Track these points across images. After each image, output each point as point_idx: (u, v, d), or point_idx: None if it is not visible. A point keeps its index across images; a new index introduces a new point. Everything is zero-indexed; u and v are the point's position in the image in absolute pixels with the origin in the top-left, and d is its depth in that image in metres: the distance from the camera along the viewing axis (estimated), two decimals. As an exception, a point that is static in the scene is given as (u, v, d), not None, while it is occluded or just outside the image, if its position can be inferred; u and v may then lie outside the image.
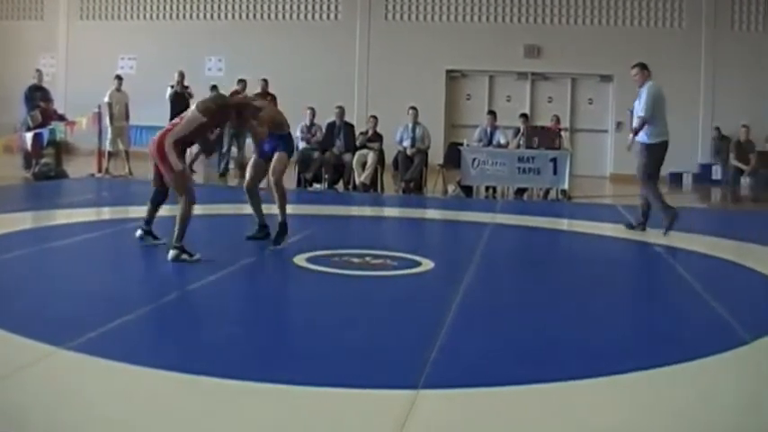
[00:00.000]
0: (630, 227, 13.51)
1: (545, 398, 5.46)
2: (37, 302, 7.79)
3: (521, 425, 5.03)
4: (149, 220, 10.48)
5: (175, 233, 9.57)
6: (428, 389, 5.45)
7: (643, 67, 13.74)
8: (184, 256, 9.50)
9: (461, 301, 8.06)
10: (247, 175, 11.13)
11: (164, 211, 10.51)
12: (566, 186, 18.53)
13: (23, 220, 13.09)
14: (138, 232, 10.46)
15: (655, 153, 13.44)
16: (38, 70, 21.31)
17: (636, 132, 13.56)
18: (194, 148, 12.44)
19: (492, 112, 20.12)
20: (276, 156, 10.79)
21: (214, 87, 21.40)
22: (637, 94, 13.60)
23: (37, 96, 19.99)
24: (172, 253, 9.52)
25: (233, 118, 10.18)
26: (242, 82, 20.23)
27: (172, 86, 20.72)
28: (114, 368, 5.74)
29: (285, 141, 10.97)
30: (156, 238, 10.43)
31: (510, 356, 6.43)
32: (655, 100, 13.34)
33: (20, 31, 27.97)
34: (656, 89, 13.47)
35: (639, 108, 13.46)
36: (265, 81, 20.96)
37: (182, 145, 9.77)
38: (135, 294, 8.31)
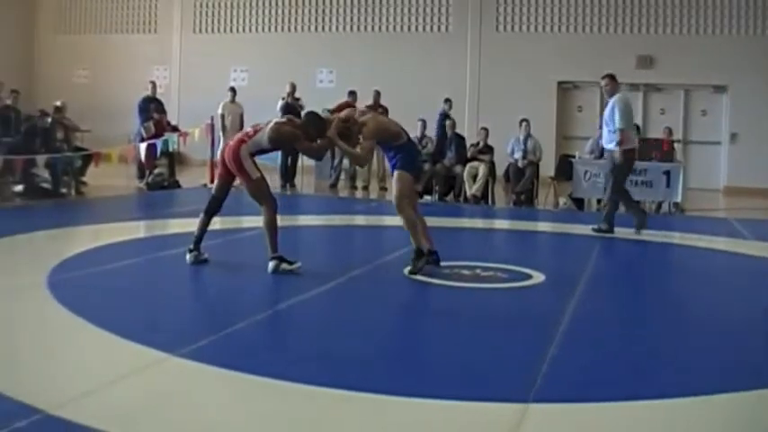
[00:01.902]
0: (599, 231, 14.09)
1: (653, 414, 5.38)
2: (150, 310, 7.93)
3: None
4: (200, 236, 10.10)
5: (268, 245, 9.56)
6: (538, 402, 5.41)
7: (612, 78, 14.36)
8: (284, 266, 9.49)
9: (572, 315, 7.98)
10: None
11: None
12: (679, 199, 18.24)
13: (138, 229, 13.33)
14: (189, 258, 10.02)
15: (628, 159, 14.20)
16: (152, 82, 21.70)
17: (620, 143, 14.05)
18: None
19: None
20: (396, 175, 9.99)
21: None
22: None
23: (151, 108, 20.36)
24: (271, 264, 9.50)
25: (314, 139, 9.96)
26: (352, 94, 20.32)
27: (283, 98, 20.89)
28: (223, 375, 5.81)
29: (404, 155, 9.99)
30: (201, 255, 10.07)
31: (620, 372, 6.34)
32: (627, 110, 14.14)
33: (134, 45, 28.47)
34: (625, 99, 14.42)
35: (611, 118, 14.07)
36: (378, 92, 20.97)
37: (258, 154, 9.80)
38: (245, 304, 8.38)
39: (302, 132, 9.74)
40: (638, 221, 14.29)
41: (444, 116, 20.14)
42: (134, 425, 4.80)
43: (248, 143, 9.64)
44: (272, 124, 9.74)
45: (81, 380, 5.64)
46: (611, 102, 14.20)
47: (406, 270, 9.83)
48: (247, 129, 10.22)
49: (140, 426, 4.81)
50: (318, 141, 9.87)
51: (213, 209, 10.17)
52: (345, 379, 5.74)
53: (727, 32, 24.31)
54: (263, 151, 9.80)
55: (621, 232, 14.03)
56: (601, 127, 15.38)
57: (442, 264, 10.00)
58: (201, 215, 10.17)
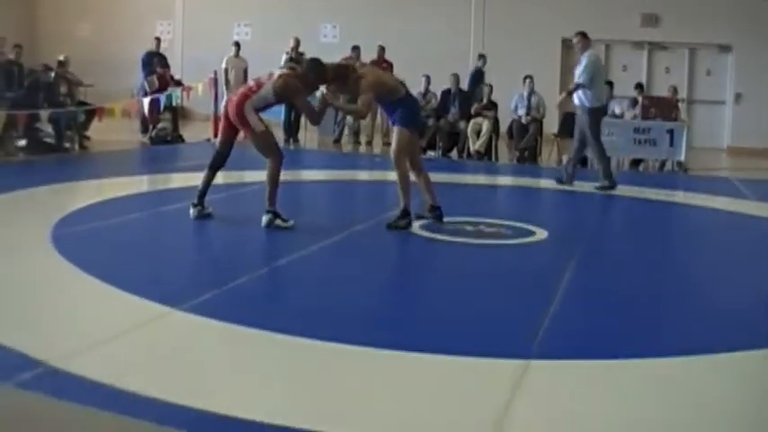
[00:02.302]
0: (560, 182, 14.68)
1: (654, 372, 5.41)
2: (153, 264, 7.96)
3: (627, 398, 4.98)
4: (204, 191, 10.05)
5: (267, 196, 9.55)
6: (540, 358, 5.45)
7: (584, 35, 14.78)
8: (278, 222, 9.50)
9: (574, 272, 8.00)
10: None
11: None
12: (682, 158, 18.21)
13: (141, 184, 13.35)
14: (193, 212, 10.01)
15: (597, 116, 14.62)
16: (156, 38, 21.62)
17: (570, 93, 14.75)
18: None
19: (609, 83, 19.81)
20: (394, 130, 10.07)
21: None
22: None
23: (154, 62, 20.28)
24: (265, 218, 9.51)
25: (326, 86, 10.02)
26: (356, 49, 20.22)
27: (287, 53, 20.80)
28: (226, 329, 5.86)
29: (404, 110, 9.92)
30: (204, 209, 10.06)
31: (622, 329, 6.37)
32: (595, 68, 14.52)
33: (137, -1, 28.38)
34: (595, 58, 14.79)
35: (578, 75, 14.51)
36: (382, 48, 20.84)
37: (263, 109, 9.74)
38: (247, 258, 8.41)
39: (303, 81, 9.69)
40: (608, 184, 14.26)
41: (479, 72, 20.07)
42: (137, 378, 4.82)
43: (252, 98, 9.58)
44: (275, 76, 9.69)
45: (84, 334, 5.67)
46: (584, 59, 14.55)
47: (386, 224, 9.85)
48: (250, 83, 10.19)
49: (143, 379, 4.83)
50: (318, 103, 9.89)
51: (218, 163, 10.15)
52: (347, 333, 5.77)
53: (733, -8, 24.17)
54: (267, 106, 9.77)
55: (624, 190, 14.03)
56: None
57: (446, 219, 10.03)
58: (206, 170, 10.14)
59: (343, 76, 9.80)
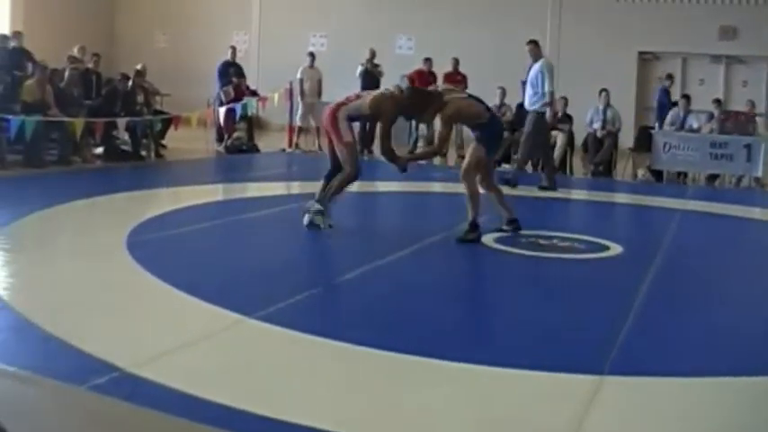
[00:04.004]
0: (541, 188, 15.16)
1: (726, 391, 5.33)
2: (228, 273, 8.00)
3: (699, 416, 4.92)
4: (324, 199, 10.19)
5: (327, 191, 9.82)
6: (614, 375, 5.39)
7: (536, 43, 15.87)
8: (319, 218, 9.79)
9: (649, 288, 7.92)
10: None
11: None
12: (759, 174, 17.95)
13: (216, 192, 13.45)
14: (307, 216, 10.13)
15: (541, 120, 15.52)
16: (232, 47, 21.81)
17: (549, 104, 15.59)
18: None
19: (686, 96, 19.59)
20: (471, 146, 10.08)
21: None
22: None
23: (230, 72, 20.47)
24: (313, 208, 9.83)
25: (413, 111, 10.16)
26: (428, 61, 20.24)
27: (362, 64, 20.83)
28: (298, 338, 5.86)
29: (488, 132, 9.91)
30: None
31: (696, 346, 6.27)
32: (551, 74, 15.42)
33: (214, 8, 28.51)
34: (550, 65, 15.66)
35: (536, 81, 15.34)
36: (456, 60, 20.79)
37: (354, 119, 9.92)
38: (322, 268, 8.45)
39: (398, 105, 9.81)
40: (549, 184, 15.13)
41: (665, 92, 19.89)
42: (209, 386, 4.85)
43: (348, 106, 9.84)
44: (376, 94, 9.89)
45: (159, 340, 5.71)
46: (538, 66, 15.41)
47: (456, 236, 9.79)
48: (349, 94, 10.32)
49: (216, 387, 4.86)
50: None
51: (332, 175, 10.26)
52: (421, 346, 5.74)
53: (815, 3, 23.84)
54: (358, 117, 10.12)
55: (700, 206, 13.88)
56: (523, 88, 16.56)
57: (520, 232, 10.00)
58: (322, 180, 10.30)
59: (427, 103, 9.83)
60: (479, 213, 9.84)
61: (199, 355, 5.50)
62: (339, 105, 9.85)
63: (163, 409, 4.48)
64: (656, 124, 19.06)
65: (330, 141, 10.07)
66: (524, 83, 16.41)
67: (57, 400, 4.67)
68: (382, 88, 10.11)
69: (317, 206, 9.71)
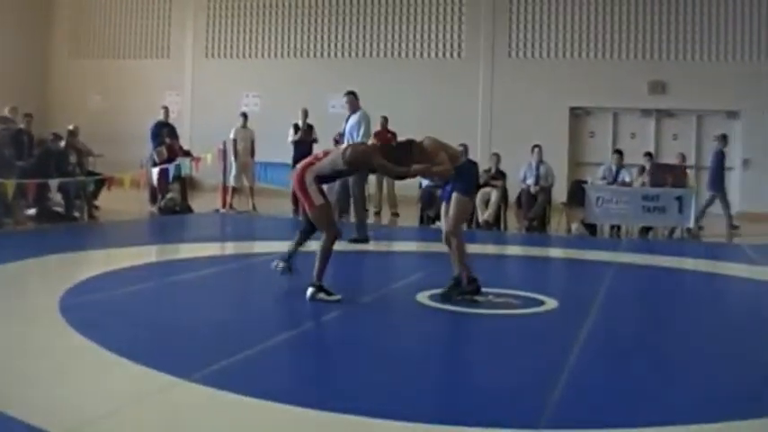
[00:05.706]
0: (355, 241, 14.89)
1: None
2: (162, 334, 7.93)
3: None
4: (293, 253, 10.32)
5: (315, 270, 9.48)
6: (549, 429, 5.40)
7: (354, 95, 16.21)
8: (321, 295, 9.40)
9: (585, 342, 7.94)
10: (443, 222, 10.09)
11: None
12: (691, 225, 18.21)
13: (150, 254, 13.35)
14: (279, 264, 10.28)
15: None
16: (164, 107, 21.73)
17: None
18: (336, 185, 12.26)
19: (618, 151, 19.86)
20: (453, 199, 9.73)
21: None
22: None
23: (163, 132, 20.40)
24: (310, 291, 9.43)
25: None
26: (384, 118, 20.10)
27: (295, 125, 20.77)
28: (234, 401, 5.79)
29: (464, 177, 9.75)
30: (290, 270, 10.28)
31: (633, 397, 6.30)
32: (368, 125, 15.73)
33: (147, 70, 28.57)
34: (367, 116, 16.01)
35: (355, 131, 15.62)
36: (385, 118, 20.79)
37: (323, 180, 9.75)
38: (257, 329, 8.37)
39: (382, 154, 9.63)
40: (360, 236, 15.09)
41: (721, 154, 19.97)
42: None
43: (316, 166, 9.64)
44: (353, 146, 9.81)
45: (94, 403, 5.63)
46: (356, 117, 15.84)
47: (440, 291, 9.83)
48: (317, 152, 10.25)
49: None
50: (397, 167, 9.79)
51: (308, 230, 10.33)
52: (357, 404, 5.72)
53: (740, 58, 24.27)
54: (335, 175, 9.88)
55: (633, 258, 14.00)
56: (338, 140, 17.66)
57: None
58: (296, 235, 10.43)
59: (409, 151, 9.72)
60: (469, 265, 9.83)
61: (136, 419, 5.43)
62: (306, 166, 9.66)
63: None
64: (715, 186, 19.61)
65: (298, 199, 10.01)
66: (342, 134, 16.75)
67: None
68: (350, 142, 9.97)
69: (312, 289, 9.43)
